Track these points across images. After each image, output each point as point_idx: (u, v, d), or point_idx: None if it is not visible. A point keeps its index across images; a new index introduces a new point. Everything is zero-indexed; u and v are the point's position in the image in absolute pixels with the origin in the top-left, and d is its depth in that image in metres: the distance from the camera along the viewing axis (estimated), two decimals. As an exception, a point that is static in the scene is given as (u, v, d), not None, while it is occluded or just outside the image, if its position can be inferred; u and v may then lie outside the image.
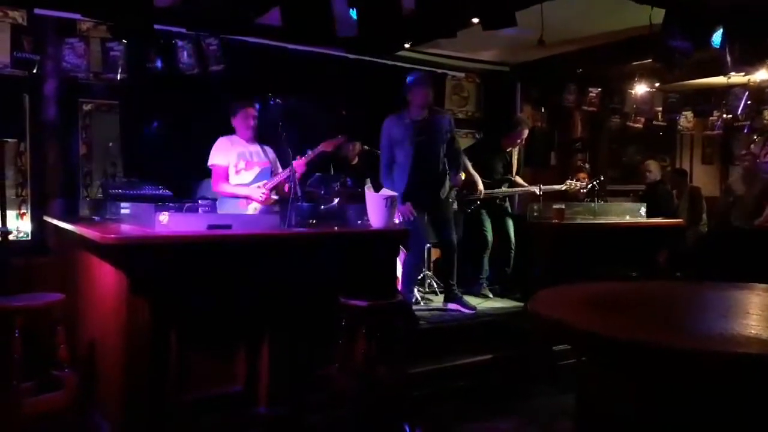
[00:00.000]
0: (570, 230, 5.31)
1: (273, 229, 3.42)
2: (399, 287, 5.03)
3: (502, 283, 5.80)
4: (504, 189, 5.68)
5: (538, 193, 5.69)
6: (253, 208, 4.27)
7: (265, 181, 4.31)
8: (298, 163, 4.13)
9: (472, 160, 5.45)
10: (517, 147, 5.85)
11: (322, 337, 3.39)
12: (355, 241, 3.81)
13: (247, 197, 4.29)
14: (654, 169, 7.26)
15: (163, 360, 3.04)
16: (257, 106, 4.40)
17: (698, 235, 7.44)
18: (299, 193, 3.72)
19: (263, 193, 4.23)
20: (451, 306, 5.00)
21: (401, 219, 4.56)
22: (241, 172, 4.32)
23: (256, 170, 4.34)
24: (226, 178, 4.31)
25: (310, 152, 4.29)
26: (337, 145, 4.38)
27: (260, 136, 4.44)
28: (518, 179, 5.85)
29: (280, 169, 4.38)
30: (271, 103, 4.30)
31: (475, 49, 6.68)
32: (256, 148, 4.41)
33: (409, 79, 4.73)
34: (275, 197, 4.32)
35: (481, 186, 5.44)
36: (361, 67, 6.29)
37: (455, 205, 5.32)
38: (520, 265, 5.64)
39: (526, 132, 5.75)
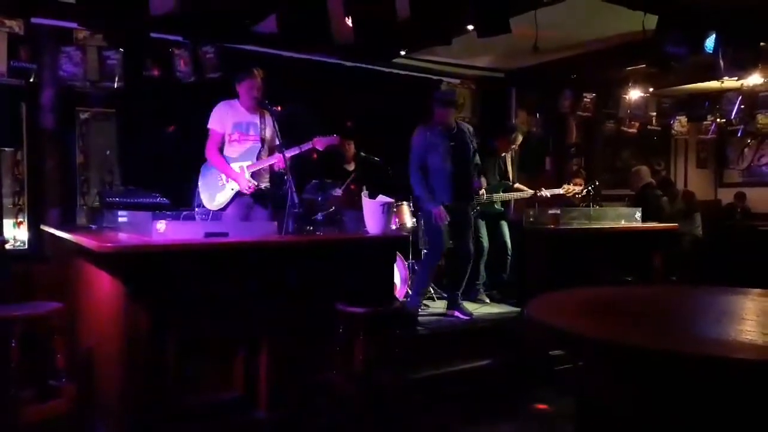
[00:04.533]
0: (566, 235, 5.33)
1: (270, 236, 3.43)
2: (400, 294, 5.05)
3: (499, 289, 5.82)
4: (503, 194, 5.70)
5: (545, 195, 5.76)
6: (230, 188, 4.19)
7: (249, 163, 4.21)
8: (288, 155, 4.10)
9: None
10: (511, 152, 5.89)
11: (321, 342, 3.40)
12: (352, 247, 3.82)
13: (234, 179, 4.18)
14: (639, 175, 7.28)
15: (162, 367, 3.04)
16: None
17: (693, 239, 7.48)
18: (296, 200, 3.72)
19: (250, 186, 4.14)
20: (450, 312, 5.02)
21: (434, 221, 4.66)
22: (234, 144, 4.23)
23: (247, 146, 4.24)
24: (219, 145, 4.22)
25: (301, 147, 4.23)
26: (329, 144, 4.28)
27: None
28: (520, 186, 5.89)
29: (275, 141, 4.29)
30: (268, 109, 4.29)
31: (470, 56, 6.71)
32: (254, 118, 4.29)
33: (437, 95, 5.00)
34: (264, 185, 4.26)
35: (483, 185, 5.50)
36: (357, 74, 6.31)
37: None
38: (516, 271, 5.65)
39: (520, 138, 5.85)
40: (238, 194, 4.19)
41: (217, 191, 4.20)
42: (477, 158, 5.06)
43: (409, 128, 4.99)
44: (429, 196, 4.72)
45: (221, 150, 4.23)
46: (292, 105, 4.45)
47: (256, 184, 4.17)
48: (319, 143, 4.21)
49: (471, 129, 5.10)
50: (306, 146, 4.19)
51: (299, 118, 4.39)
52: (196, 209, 4.13)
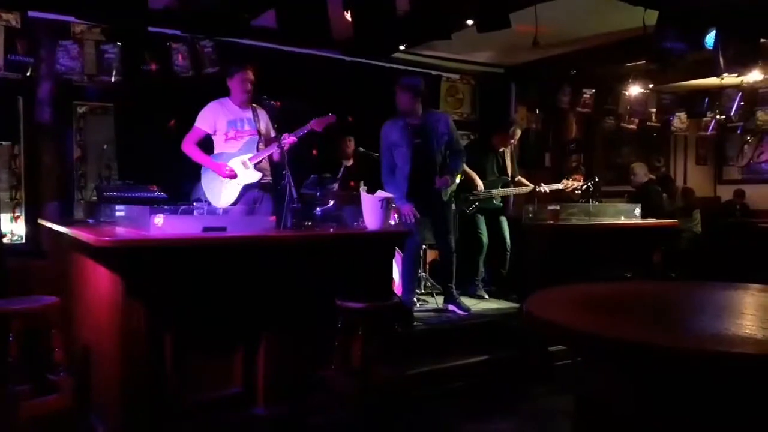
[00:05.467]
0: (565, 231, 5.33)
1: (268, 231, 3.42)
2: (398, 290, 5.05)
3: (498, 284, 5.82)
4: (502, 189, 5.70)
5: (543, 191, 5.74)
6: (236, 183, 4.21)
7: (250, 155, 4.22)
8: (289, 140, 4.10)
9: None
10: (510, 147, 5.88)
11: (320, 338, 3.40)
12: (350, 242, 3.81)
13: (212, 168, 4.21)
14: (639, 172, 7.29)
15: (160, 362, 3.03)
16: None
17: (692, 236, 7.49)
18: (294, 195, 3.71)
19: (229, 170, 4.16)
20: (447, 307, 5.03)
21: (403, 219, 4.60)
22: (231, 141, 4.26)
23: (244, 140, 4.27)
24: (196, 142, 4.25)
25: (300, 130, 4.20)
26: (327, 124, 4.24)
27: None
28: (522, 179, 5.88)
29: (271, 135, 4.33)
30: (266, 104, 4.27)
31: (469, 51, 6.70)
32: (248, 114, 4.30)
33: (404, 81, 4.72)
34: (257, 174, 4.24)
35: (480, 183, 5.48)
36: (356, 69, 6.30)
37: (453, 206, 5.33)
38: (516, 266, 5.66)
39: (518, 132, 5.84)
40: (244, 189, 4.19)
41: (222, 187, 4.21)
42: (457, 145, 4.81)
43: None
44: (396, 193, 4.55)
45: (210, 149, 4.26)
46: (292, 100, 4.44)
47: (235, 172, 4.17)
48: (317, 124, 4.19)
49: (445, 118, 4.86)
50: (304, 130, 4.18)
51: (299, 114, 4.37)
52: (195, 203, 4.11)
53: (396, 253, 5.11)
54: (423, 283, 5.69)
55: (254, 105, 4.34)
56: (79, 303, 3.65)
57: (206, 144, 4.33)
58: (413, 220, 4.60)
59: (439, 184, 4.69)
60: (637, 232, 5.75)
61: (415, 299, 5.11)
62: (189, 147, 4.24)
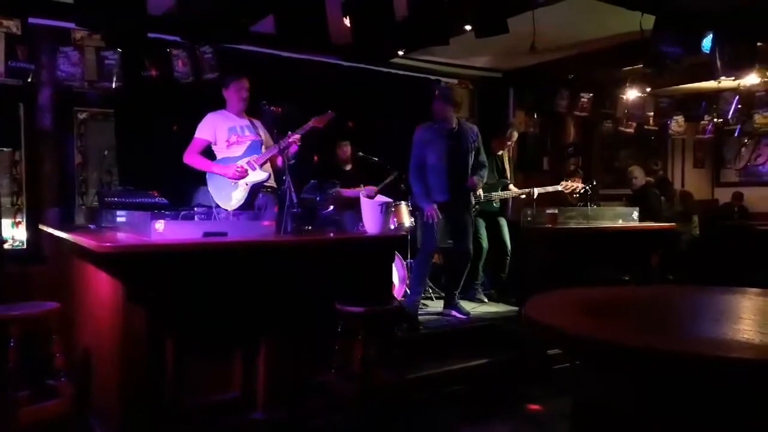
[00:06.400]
0: (563, 235, 5.34)
1: (269, 236, 3.43)
2: (398, 293, 5.06)
3: (498, 288, 5.83)
4: (501, 192, 5.72)
5: (533, 195, 5.75)
6: (244, 182, 4.20)
7: (255, 156, 4.23)
8: (293, 138, 4.11)
9: None
10: (507, 149, 5.90)
11: (320, 342, 3.41)
12: (350, 247, 3.82)
13: (220, 173, 4.20)
14: (639, 175, 7.31)
15: (160, 367, 3.04)
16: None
17: (690, 239, 7.50)
18: (294, 200, 3.72)
19: (238, 169, 4.14)
20: (447, 311, 5.03)
21: (426, 219, 4.68)
22: (233, 146, 4.26)
23: (246, 144, 4.28)
24: (198, 152, 4.25)
25: (301, 129, 4.22)
26: (327, 120, 4.26)
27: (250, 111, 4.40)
28: (511, 187, 5.89)
29: (271, 142, 4.35)
30: (266, 110, 4.29)
31: (467, 56, 6.72)
32: (245, 122, 4.34)
33: (436, 90, 5.05)
34: (264, 174, 4.24)
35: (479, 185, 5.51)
36: (355, 74, 6.31)
37: None
38: (515, 270, 5.67)
39: (515, 135, 5.86)
40: (253, 190, 4.19)
41: (231, 190, 4.20)
42: (482, 157, 5.03)
43: (407, 128, 5.00)
44: (424, 193, 4.74)
45: (213, 157, 4.27)
46: (291, 105, 4.46)
47: (245, 168, 4.17)
48: (317, 121, 4.22)
49: (475, 129, 5.08)
50: (305, 128, 4.19)
51: (298, 119, 4.38)
52: (196, 208, 4.12)
53: (396, 258, 5.13)
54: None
55: (249, 117, 4.37)
56: (80, 308, 3.65)
57: (207, 155, 4.33)
58: (436, 221, 4.68)
59: (471, 183, 4.91)
60: (634, 235, 5.76)
61: (418, 300, 5.10)
62: (192, 158, 4.23)
